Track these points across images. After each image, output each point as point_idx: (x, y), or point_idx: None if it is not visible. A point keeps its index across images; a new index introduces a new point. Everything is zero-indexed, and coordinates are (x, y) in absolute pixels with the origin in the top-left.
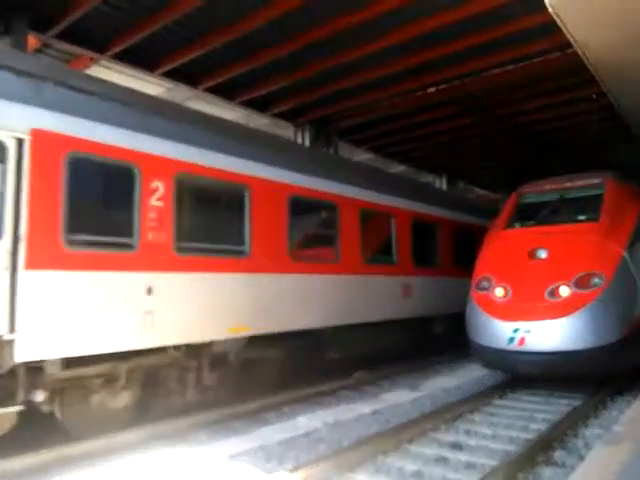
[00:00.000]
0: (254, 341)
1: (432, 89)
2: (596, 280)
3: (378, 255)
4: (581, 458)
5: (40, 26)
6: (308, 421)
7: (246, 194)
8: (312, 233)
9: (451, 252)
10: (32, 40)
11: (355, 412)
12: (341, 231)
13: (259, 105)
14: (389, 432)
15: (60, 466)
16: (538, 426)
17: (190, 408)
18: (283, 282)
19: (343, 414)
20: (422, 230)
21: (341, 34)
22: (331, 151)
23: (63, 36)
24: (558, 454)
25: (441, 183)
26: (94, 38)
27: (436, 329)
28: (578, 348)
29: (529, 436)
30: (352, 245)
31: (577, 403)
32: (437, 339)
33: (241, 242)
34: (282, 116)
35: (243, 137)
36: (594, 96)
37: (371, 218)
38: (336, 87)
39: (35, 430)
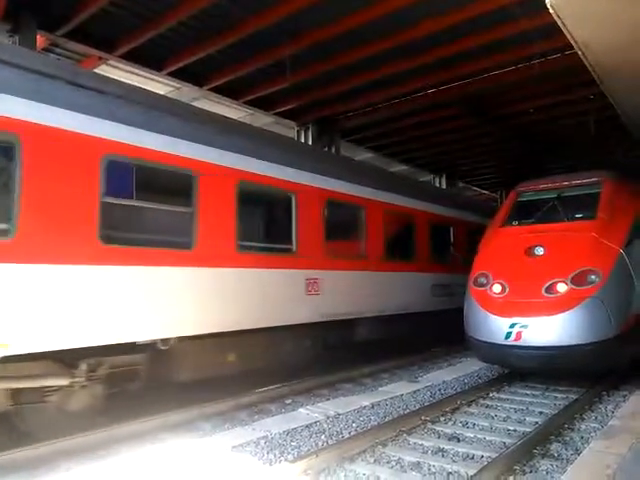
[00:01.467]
0: None
1: (433, 90)
2: (593, 277)
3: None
4: (578, 451)
5: (49, 25)
6: (309, 413)
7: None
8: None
9: (385, 241)
10: (40, 39)
11: (355, 404)
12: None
13: (263, 104)
14: (388, 424)
15: (64, 458)
16: (535, 419)
17: (195, 399)
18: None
19: (343, 406)
20: (339, 213)
21: (344, 35)
22: (333, 150)
23: (72, 35)
24: (555, 447)
25: (440, 182)
26: (102, 38)
27: (355, 335)
28: (575, 343)
29: (526, 429)
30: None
31: (573, 397)
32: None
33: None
34: (286, 115)
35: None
36: (592, 97)
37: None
38: (339, 87)
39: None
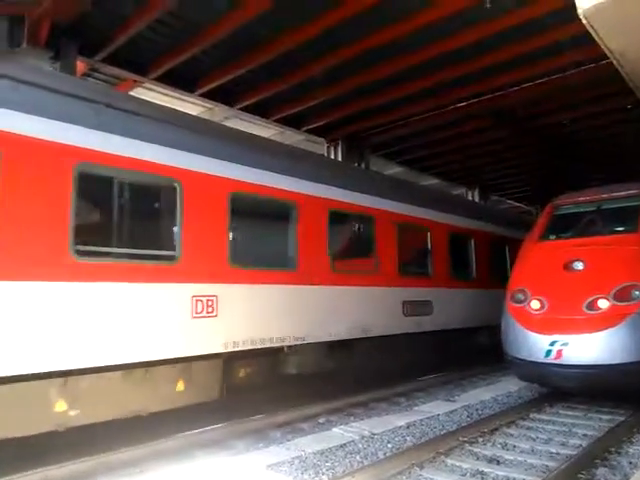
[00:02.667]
0: None
1: (464, 103)
2: (637, 292)
3: None
4: (626, 477)
5: (88, 51)
6: (343, 432)
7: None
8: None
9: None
10: (80, 64)
11: (390, 424)
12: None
13: (293, 122)
14: (425, 444)
15: (103, 473)
16: (579, 442)
17: (228, 416)
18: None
19: (378, 426)
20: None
21: (372, 51)
22: (363, 165)
23: (109, 60)
24: (601, 471)
25: (473, 196)
26: (138, 62)
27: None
28: (618, 362)
29: (570, 452)
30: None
31: (619, 419)
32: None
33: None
34: (315, 132)
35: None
36: (629, 106)
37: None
38: (368, 103)
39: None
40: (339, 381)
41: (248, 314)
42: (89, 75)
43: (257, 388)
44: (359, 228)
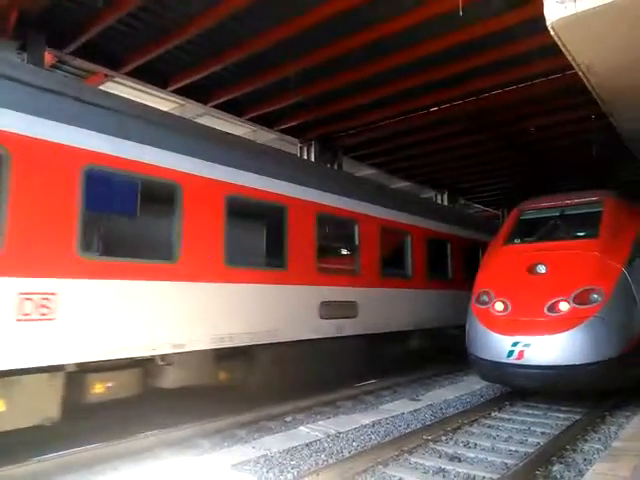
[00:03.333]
0: None
1: (435, 108)
2: (595, 296)
3: None
4: (580, 473)
5: (57, 43)
6: (309, 431)
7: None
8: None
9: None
10: (48, 56)
11: (356, 423)
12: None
13: (267, 121)
14: (389, 443)
15: (62, 473)
16: (537, 440)
17: (194, 416)
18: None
19: (344, 425)
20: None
21: (347, 54)
22: (335, 167)
23: (79, 53)
24: (557, 468)
25: (442, 199)
26: (109, 55)
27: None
28: (577, 363)
29: (528, 450)
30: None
31: (576, 417)
32: None
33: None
34: (289, 132)
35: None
36: (594, 116)
37: None
38: (342, 105)
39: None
40: (231, 397)
41: (105, 316)
42: (57, 67)
43: (122, 406)
44: (268, 218)
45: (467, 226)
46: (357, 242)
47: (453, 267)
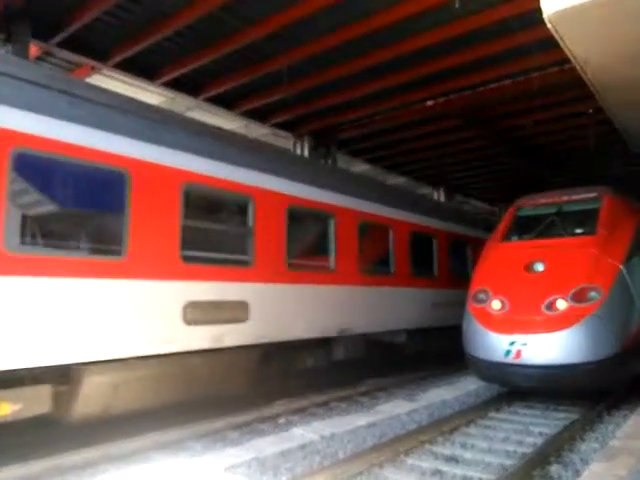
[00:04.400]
0: None
1: (430, 102)
2: (593, 294)
3: None
4: (577, 473)
5: (42, 34)
6: (303, 432)
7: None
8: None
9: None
10: (34, 48)
11: (351, 424)
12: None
13: (259, 115)
14: (385, 444)
15: (52, 476)
16: (534, 440)
17: (186, 418)
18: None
19: (339, 426)
20: None
21: (341, 46)
22: (329, 162)
23: (65, 45)
24: (554, 468)
25: (439, 195)
26: (96, 47)
27: None
28: (575, 362)
29: (525, 450)
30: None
31: (574, 417)
32: None
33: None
34: (282, 126)
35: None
36: (591, 111)
37: None
38: (335, 99)
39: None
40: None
41: None
42: (43, 59)
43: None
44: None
45: (441, 217)
46: (251, 225)
47: (396, 259)
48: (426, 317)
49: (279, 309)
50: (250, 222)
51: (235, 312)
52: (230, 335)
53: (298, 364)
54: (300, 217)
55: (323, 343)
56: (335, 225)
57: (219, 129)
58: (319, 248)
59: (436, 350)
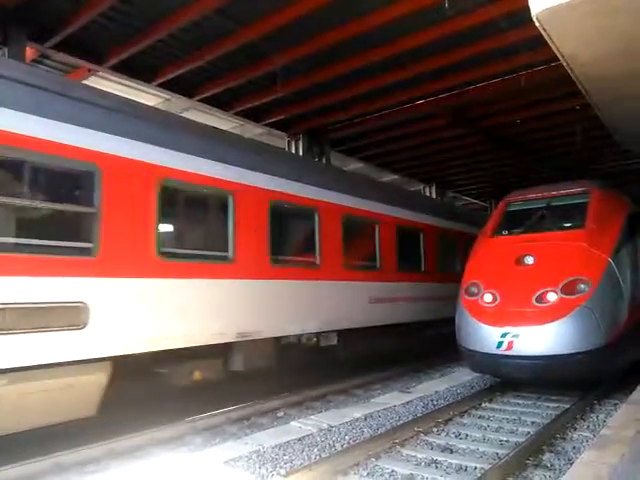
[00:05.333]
0: None
1: (422, 101)
2: (582, 286)
3: None
4: (570, 461)
5: (38, 37)
6: (301, 425)
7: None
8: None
9: None
10: (30, 51)
11: (348, 416)
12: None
13: (254, 115)
14: (381, 436)
15: (54, 473)
16: (527, 429)
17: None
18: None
19: (336, 418)
20: None
21: (333, 47)
22: (323, 160)
23: (61, 47)
24: (547, 457)
25: (430, 192)
26: (92, 49)
27: None
28: (565, 352)
29: (519, 439)
30: None
31: (565, 406)
32: None
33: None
34: (276, 126)
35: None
36: (578, 107)
37: None
38: (329, 98)
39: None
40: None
41: None
42: (39, 62)
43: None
44: None
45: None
46: (96, 202)
47: (323, 246)
48: (363, 315)
49: (141, 310)
50: (95, 200)
51: (64, 317)
52: (55, 346)
53: (177, 380)
54: (193, 201)
55: (216, 351)
56: (234, 206)
57: None
58: (209, 235)
59: (379, 352)
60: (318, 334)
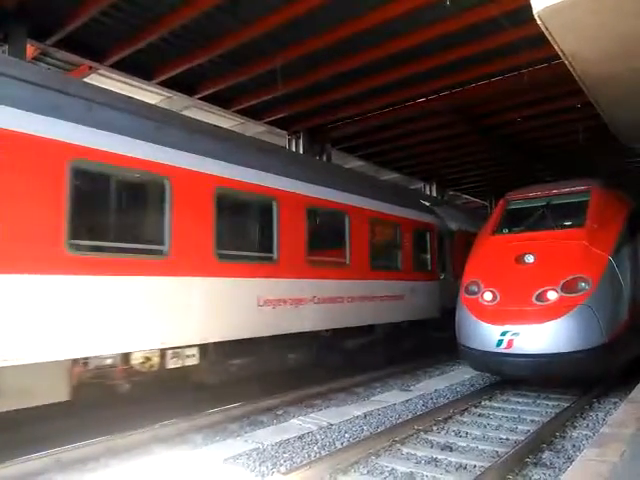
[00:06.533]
0: None
1: (422, 99)
2: (583, 284)
3: None
4: (569, 459)
5: (39, 35)
6: (301, 423)
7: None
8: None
9: None
10: (30, 48)
11: (348, 414)
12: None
13: (254, 113)
14: (381, 434)
15: (55, 470)
16: (527, 427)
17: (186, 410)
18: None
19: (336, 416)
20: None
21: (335, 45)
22: (324, 159)
23: (62, 45)
24: (547, 455)
25: (431, 190)
26: (92, 47)
27: None
28: (565, 351)
29: (518, 437)
30: None
31: (565, 405)
32: None
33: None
34: (277, 124)
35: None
36: (579, 106)
37: None
38: (330, 96)
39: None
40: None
41: None
42: (40, 60)
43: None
44: None
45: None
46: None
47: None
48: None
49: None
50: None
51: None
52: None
53: None
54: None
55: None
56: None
57: None
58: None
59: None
60: (163, 351)
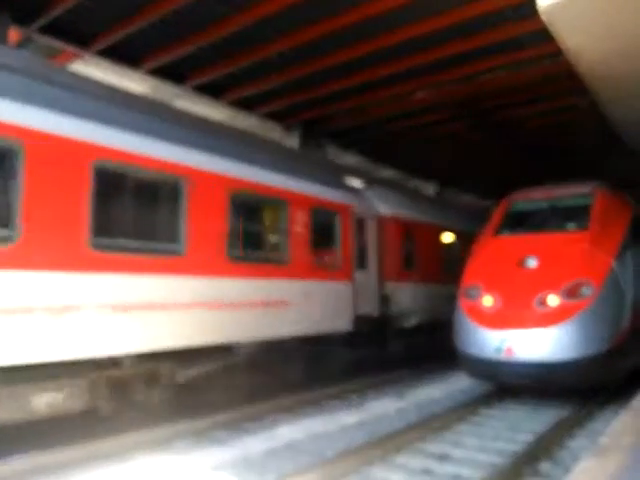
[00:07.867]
0: None
1: (422, 93)
2: (585, 289)
3: None
4: (567, 470)
5: (23, 19)
6: (290, 431)
7: None
8: None
9: None
10: (13, 34)
11: (340, 422)
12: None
13: (247, 105)
14: (374, 443)
15: (33, 475)
16: (525, 437)
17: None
18: None
19: (327, 424)
20: None
21: (331, 36)
22: (320, 153)
23: (46, 30)
24: (544, 466)
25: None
26: (78, 33)
27: None
28: (566, 358)
29: (516, 447)
30: None
31: (564, 413)
32: None
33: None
34: (271, 116)
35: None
36: (584, 105)
37: None
38: (326, 89)
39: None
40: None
41: None
42: (23, 45)
43: None
44: None
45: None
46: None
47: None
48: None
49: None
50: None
51: None
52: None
53: None
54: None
55: None
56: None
57: None
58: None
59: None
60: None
